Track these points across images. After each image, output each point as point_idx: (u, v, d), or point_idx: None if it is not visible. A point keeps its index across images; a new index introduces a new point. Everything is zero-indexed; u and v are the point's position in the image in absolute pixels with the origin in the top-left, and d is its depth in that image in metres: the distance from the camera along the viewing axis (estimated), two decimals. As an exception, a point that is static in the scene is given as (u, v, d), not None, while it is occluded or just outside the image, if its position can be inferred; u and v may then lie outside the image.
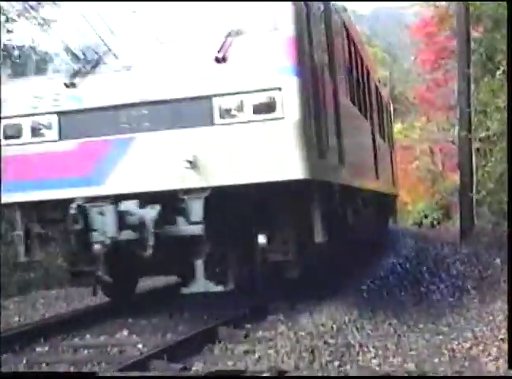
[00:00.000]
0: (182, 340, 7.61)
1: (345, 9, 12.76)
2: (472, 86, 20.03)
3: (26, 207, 8.32)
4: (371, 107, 15.15)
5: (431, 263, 13.78)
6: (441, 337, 7.41)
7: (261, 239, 7.88)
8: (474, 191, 20.48)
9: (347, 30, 12.10)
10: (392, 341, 7.25)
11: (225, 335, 8.02)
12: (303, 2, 8.12)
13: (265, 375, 5.84)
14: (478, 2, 19.20)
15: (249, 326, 8.62)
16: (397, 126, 48.35)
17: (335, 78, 9.83)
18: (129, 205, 7.65)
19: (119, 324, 9.30)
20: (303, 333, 7.48)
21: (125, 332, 8.82)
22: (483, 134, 19.03)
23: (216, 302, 10.31)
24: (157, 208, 7.59)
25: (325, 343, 7.09)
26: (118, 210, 7.65)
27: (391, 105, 25.17)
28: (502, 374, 5.95)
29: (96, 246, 7.75)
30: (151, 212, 7.58)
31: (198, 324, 8.90)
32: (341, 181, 9.64)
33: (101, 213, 7.70)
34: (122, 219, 7.63)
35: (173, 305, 10.47)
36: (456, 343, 7.03)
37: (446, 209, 36.94)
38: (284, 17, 7.52)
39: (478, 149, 21.20)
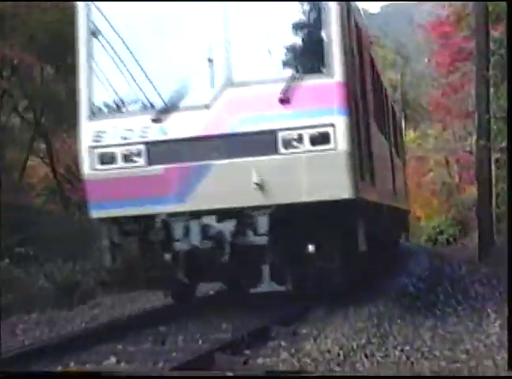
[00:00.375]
0: (174, 368, 7.59)
1: (371, 43, 15.34)
2: (492, 90, 20.01)
3: (113, 221, 10.29)
4: (389, 126, 17.20)
5: (446, 283, 13.74)
6: (458, 365, 7.37)
7: (312, 248, 9.90)
8: (494, 205, 20.47)
9: (372, 61, 14.29)
10: (404, 369, 7.23)
11: (222, 361, 8.02)
12: (349, 51, 10.35)
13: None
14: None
15: (248, 352, 8.63)
16: (410, 135, 48.50)
17: (368, 108, 12.11)
18: (210, 219, 9.78)
19: (107, 350, 9.30)
20: (307, 360, 7.47)
21: (113, 359, 8.80)
22: (503, 143, 19.00)
23: (212, 324, 10.33)
24: (233, 222, 9.73)
25: (331, 371, 7.08)
26: (201, 224, 9.75)
27: (402, 119, 26.01)
28: (502, 374, 6.02)
29: (179, 254, 9.85)
30: (228, 225, 9.75)
31: (193, 349, 8.90)
32: (373, 199, 11.70)
33: (186, 226, 9.83)
34: (204, 231, 9.76)
35: (166, 329, 10.48)
36: (475, 371, 7.00)
37: (463, 225, 36.97)
38: (336, 65, 9.69)
39: (498, 160, 21.21)
